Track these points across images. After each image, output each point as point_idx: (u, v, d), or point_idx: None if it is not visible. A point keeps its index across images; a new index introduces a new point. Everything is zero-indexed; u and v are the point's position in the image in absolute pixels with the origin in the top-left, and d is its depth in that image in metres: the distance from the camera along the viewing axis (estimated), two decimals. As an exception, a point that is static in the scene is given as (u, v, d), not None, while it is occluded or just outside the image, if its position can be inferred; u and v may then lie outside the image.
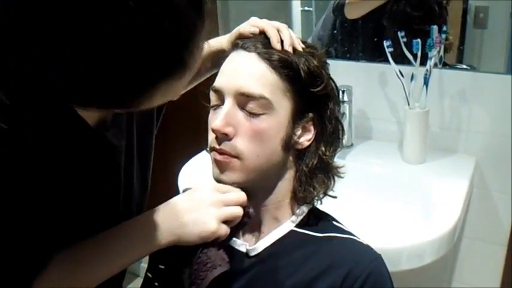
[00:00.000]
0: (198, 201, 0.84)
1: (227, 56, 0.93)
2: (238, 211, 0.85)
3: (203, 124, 0.97)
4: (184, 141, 2.16)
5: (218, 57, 1.06)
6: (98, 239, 0.82)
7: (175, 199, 0.86)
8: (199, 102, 1.03)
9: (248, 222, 0.89)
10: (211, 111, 0.92)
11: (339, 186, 0.97)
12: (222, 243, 0.87)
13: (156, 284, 1.02)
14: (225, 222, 0.85)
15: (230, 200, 0.85)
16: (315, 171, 0.93)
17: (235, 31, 0.98)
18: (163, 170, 1.98)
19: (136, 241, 0.83)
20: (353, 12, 1.79)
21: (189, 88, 1.22)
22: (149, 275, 1.05)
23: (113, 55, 0.58)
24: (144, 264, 2.73)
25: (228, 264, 0.87)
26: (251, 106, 0.86)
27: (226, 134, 0.85)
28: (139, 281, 1.50)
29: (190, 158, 1.69)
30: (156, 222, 0.82)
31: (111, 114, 0.86)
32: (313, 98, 0.90)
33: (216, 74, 0.94)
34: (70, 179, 0.79)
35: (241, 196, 0.87)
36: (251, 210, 0.89)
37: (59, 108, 0.72)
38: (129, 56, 0.59)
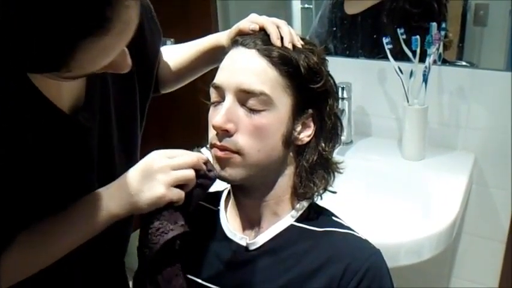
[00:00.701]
0: (146, 170, 0.84)
1: (227, 53, 0.93)
2: (188, 173, 0.85)
3: (203, 121, 0.98)
4: (184, 138, 2.17)
5: (216, 53, 1.07)
6: (61, 214, 0.85)
7: (128, 171, 0.86)
8: (199, 99, 1.04)
9: (211, 184, 0.89)
10: (211, 108, 0.93)
11: (339, 183, 0.98)
12: (183, 207, 0.86)
13: None
14: (180, 186, 0.85)
15: (177, 164, 0.85)
16: (315, 166, 0.93)
17: (235, 28, 0.98)
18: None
19: (94, 211, 0.84)
20: (353, 7, 1.79)
21: (186, 82, 1.23)
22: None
23: (30, 13, 0.57)
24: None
25: (181, 227, 0.85)
26: (252, 102, 0.86)
27: (227, 131, 0.86)
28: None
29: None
30: (111, 193, 0.85)
31: (81, 95, 0.87)
32: (312, 94, 0.91)
33: (214, 70, 0.95)
34: (37, 159, 0.81)
35: (190, 159, 0.86)
36: (213, 172, 0.88)
37: (25, 91, 0.76)
38: (47, 12, 0.57)
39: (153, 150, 0.88)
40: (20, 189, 0.79)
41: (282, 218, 0.94)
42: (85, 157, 0.90)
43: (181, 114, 2.20)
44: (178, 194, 0.84)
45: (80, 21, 0.60)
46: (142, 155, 0.88)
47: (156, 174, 0.83)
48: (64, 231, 0.85)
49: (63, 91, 0.84)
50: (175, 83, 1.22)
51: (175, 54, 1.18)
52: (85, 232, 0.86)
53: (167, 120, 2.28)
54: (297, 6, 1.97)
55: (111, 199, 0.85)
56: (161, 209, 0.84)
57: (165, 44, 1.24)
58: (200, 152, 0.92)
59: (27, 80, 0.77)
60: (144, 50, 1.04)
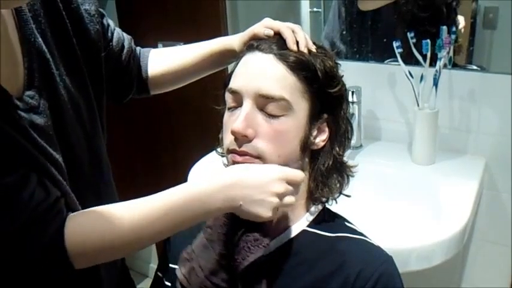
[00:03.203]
0: (261, 186, 0.82)
1: (240, 57, 0.93)
2: (292, 201, 0.84)
3: (212, 125, 0.97)
4: (194, 141, 2.18)
5: (225, 57, 1.07)
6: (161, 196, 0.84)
7: (239, 173, 0.83)
8: (208, 103, 1.04)
9: None
10: (227, 113, 0.92)
11: (349, 187, 0.98)
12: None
13: (167, 283, 1.02)
14: None
15: (290, 191, 0.84)
16: (330, 171, 0.94)
17: (249, 32, 0.98)
18: (173, 171, 1.99)
19: (198, 201, 0.82)
20: (367, 4, 1.78)
21: (185, 84, 1.22)
22: (159, 274, 1.06)
23: None
24: (153, 265, 2.75)
25: (263, 249, 0.86)
26: (271, 108, 0.86)
27: (246, 136, 0.86)
28: (148, 281, 1.51)
29: (200, 158, 1.69)
30: (215, 191, 0.82)
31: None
32: (328, 98, 0.91)
33: (220, 72, 0.94)
34: None
35: (299, 187, 0.87)
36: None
37: None
38: None
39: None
40: None
41: (295, 223, 0.94)
42: (39, 136, 0.85)
43: (190, 118, 2.20)
44: (276, 216, 0.84)
45: None
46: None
47: (270, 198, 0.81)
48: (162, 217, 0.83)
49: (11, 73, 0.83)
50: (170, 85, 1.21)
51: (172, 56, 1.18)
52: (186, 222, 0.84)
53: (176, 123, 2.28)
54: (305, 10, 1.97)
55: (218, 197, 0.82)
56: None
57: (156, 46, 1.24)
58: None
59: None
60: (84, 32, 1.00)
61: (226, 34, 1.99)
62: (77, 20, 0.97)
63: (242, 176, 0.82)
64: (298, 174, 0.85)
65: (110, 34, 1.10)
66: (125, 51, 1.14)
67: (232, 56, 0.97)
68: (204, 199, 0.82)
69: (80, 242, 0.81)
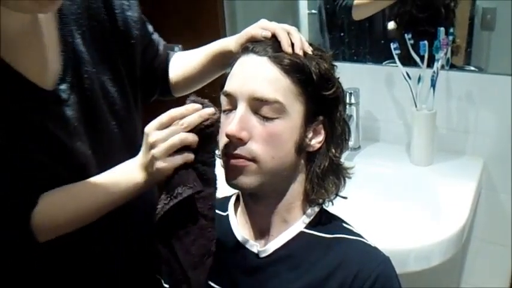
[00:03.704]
0: (145, 145, 0.88)
1: (236, 59, 0.93)
2: (176, 140, 0.84)
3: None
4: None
5: (224, 58, 1.07)
6: (92, 178, 0.93)
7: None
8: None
9: (214, 130, 0.87)
10: (222, 116, 0.92)
11: (347, 188, 0.98)
12: (199, 158, 0.87)
13: (166, 286, 1.03)
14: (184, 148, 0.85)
15: (166, 135, 0.85)
16: (326, 172, 0.93)
17: (245, 33, 0.98)
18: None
19: (120, 178, 0.92)
20: (361, 13, 1.79)
21: (198, 87, 1.24)
22: (158, 276, 1.06)
23: None
24: None
25: (190, 189, 0.85)
26: (265, 110, 0.86)
27: (241, 139, 0.86)
28: None
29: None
30: (135, 164, 0.91)
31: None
32: (323, 101, 0.91)
33: (221, 77, 0.95)
34: (22, 131, 0.88)
35: (178, 128, 0.85)
36: (208, 122, 0.85)
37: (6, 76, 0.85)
38: None
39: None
40: (23, 156, 0.88)
41: (292, 224, 0.94)
42: (66, 127, 0.94)
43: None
44: (178, 160, 0.85)
45: None
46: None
47: (152, 150, 0.85)
48: (92, 194, 0.92)
49: (45, 69, 0.92)
50: (187, 88, 1.23)
51: (185, 60, 1.20)
52: (112, 198, 0.92)
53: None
54: (304, 11, 1.97)
55: (135, 170, 0.90)
56: (174, 174, 0.85)
57: (172, 50, 1.26)
58: (193, 100, 0.88)
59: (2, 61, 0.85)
60: (117, 28, 1.06)
61: (224, 36, 1.99)
62: (118, 25, 1.05)
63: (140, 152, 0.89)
64: (161, 116, 0.86)
65: (147, 40, 1.16)
66: (158, 56, 1.19)
67: (230, 57, 0.97)
68: (125, 176, 0.91)
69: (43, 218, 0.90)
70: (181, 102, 0.89)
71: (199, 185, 0.86)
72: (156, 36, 1.21)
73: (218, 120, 0.87)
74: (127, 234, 1.11)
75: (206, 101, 0.88)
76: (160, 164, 0.85)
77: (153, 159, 0.85)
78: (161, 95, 1.25)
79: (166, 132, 0.85)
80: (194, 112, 0.85)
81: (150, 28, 1.19)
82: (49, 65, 0.93)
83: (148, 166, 0.87)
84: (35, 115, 0.89)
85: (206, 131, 0.86)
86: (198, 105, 0.86)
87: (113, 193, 0.92)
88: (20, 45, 0.88)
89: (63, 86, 0.94)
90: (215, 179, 0.89)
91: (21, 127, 0.87)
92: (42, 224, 0.89)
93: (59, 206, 0.91)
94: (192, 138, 0.85)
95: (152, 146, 0.85)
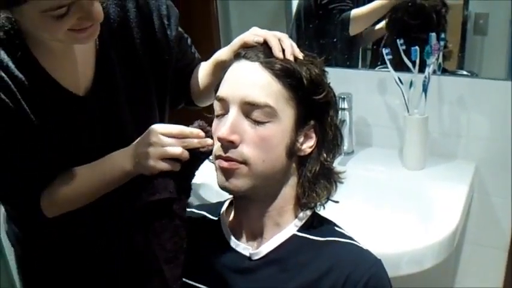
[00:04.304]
0: (144, 140, 0.97)
1: (228, 66, 0.95)
2: (175, 151, 0.93)
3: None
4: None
5: (218, 69, 1.09)
6: (92, 163, 1.05)
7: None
8: (201, 111, 1.06)
9: (206, 158, 0.95)
10: (215, 120, 0.94)
11: (340, 193, 0.99)
12: (180, 175, 0.95)
13: None
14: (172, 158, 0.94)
15: (167, 143, 0.93)
16: (318, 176, 0.94)
17: (238, 41, 1.00)
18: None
19: (113, 165, 1.03)
20: (357, 29, 1.82)
21: (206, 104, 1.27)
22: None
23: None
24: None
25: (168, 193, 0.94)
26: (256, 114, 0.88)
27: (232, 142, 0.87)
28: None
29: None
30: (126, 153, 1.01)
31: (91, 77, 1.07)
32: (314, 105, 0.92)
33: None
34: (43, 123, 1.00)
35: (179, 143, 0.93)
36: (204, 149, 0.94)
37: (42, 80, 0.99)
38: None
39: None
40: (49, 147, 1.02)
41: (284, 228, 0.95)
42: (90, 128, 1.08)
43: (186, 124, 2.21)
44: (167, 166, 0.93)
45: None
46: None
47: (150, 147, 0.94)
48: (91, 177, 1.05)
49: (78, 78, 1.05)
50: (205, 98, 1.27)
51: (200, 72, 1.24)
52: (107, 181, 1.04)
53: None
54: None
55: (126, 158, 1.00)
56: (157, 175, 0.94)
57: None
58: (200, 125, 0.96)
59: (43, 70, 1.00)
60: (153, 36, 1.15)
61: (218, 39, 2.01)
62: (156, 41, 1.15)
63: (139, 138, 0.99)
64: (171, 126, 0.95)
65: (181, 55, 1.24)
66: (188, 69, 1.26)
67: (224, 66, 0.99)
68: (115, 162, 1.02)
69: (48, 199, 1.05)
70: (206, 110, 1.02)
71: (175, 193, 0.94)
72: (191, 50, 1.28)
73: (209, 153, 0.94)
74: (126, 233, 1.13)
75: (210, 129, 0.95)
76: (151, 163, 0.94)
77: (147, 156, 0.94)
78: (186, 104, 1.31)
79: (168, 141, 0.93)
80: (197, 138, 0.94)
81: (187, 43, 1.27)
82: (82, 75, 1.06)
83: (139, 158, 0.96)
84: (65, 116, 1.03)
85: (199, 156, 0.95)
86: (202, 134, 0.94)
87: (104, 177, 1.04)
88: (57, 56, 1.01)
89: (94, 92, 1.07)
90: (189, 190, 0.99)
91: (51, 124, 1.01)
92: (48, 201, 1.05)
93: (62, 186, 1.04)
94: (186, 156, 0.94)
95: (151, 145, 0.94)
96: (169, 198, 0.94)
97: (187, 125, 0.96)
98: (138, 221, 0.96)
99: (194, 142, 0.93)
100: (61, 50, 1.01)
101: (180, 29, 1.22)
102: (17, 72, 0.96)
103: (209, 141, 0.93)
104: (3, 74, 0.95)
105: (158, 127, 0.95)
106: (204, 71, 1.21)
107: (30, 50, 0.98)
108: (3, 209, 1.27)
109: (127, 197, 1.01)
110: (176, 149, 0.93)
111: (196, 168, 0.97)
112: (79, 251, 1.20)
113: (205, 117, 1.00)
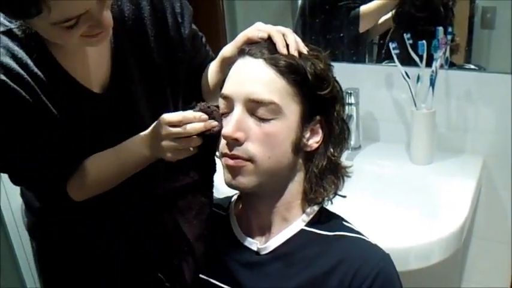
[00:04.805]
0: (155, 134, 0.99)
1: (233, 63, 0.95)
2: (189, 142, 0.93)
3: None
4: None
5: (226, 65, 1.09)
6: (114, 148, 1.08)
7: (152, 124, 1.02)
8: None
9: (218, 129, 0.93)
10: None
11: (348, 188, 0.99)
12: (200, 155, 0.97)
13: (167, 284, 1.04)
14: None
15: (179, 134, 0.93)
16: (325, 172, 0.94)
17: (242, 37, 0.99)
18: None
19: (132, 151, 1.06)
20: (367, 25, 1.81)
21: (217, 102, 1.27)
22: (160, 276, 1.07)
23: None
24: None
25: (189, 178, 0.98)
26: (261, 111, 0.88)
27: (237, 140, 0.87)
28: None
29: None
30: (143, 140, 1.03)
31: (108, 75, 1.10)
32: (320, 100, 0.92)
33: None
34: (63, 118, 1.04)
35: (193, 129, 0.92)
36: (210, 132, 0.93)
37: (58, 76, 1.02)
38: None
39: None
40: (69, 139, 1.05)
41: (292, 223, 0.95)
42: (106, 122, 1.11)
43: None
44: (183, 155, 0.96)
45: None
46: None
47: (162, 141, 0.96)
48: (115, 161, 1.08)
49: (95, 76, 1.08)
50: (214, 97, 1.26)
51: (209, 70, 1.24)
52: (130, 165, 1.07)
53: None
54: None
55: (144, 146, 1.03)
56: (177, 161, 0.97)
57: None
58: (201, 108, 0.95)
59: (61, 68, 1.03)
60: (167, 32, 1.16)
61: (224, 35, 2.01)
62: (169, 39, 1.16)
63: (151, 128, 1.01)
64: (176, 114, 0.94)
65: (194, 52, 1.25)
66: (200, 67, 1.26)
67: (229, 63, 0.99)
68: (135, 149, 1.05)
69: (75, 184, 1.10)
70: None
71: (196, 175, 0.98)
72: (205, 48, 1.29)
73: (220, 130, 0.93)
74: (127, 233, 1.19)
75: (215, 109, 0.95)
76: (168, 155, 0.96)
77: (162, 149, 0.96)
78: (199, 102, 1.29)
79: (177, 131, 0.93)
80: (201, 121, 0.92)
81: (201, 41, 1.28)
82: (98, 73, 1.09)
83: (155, 150, 0.99)
84: (83, 112, 1.07)
85: (210, 138, 0.94)
86: (205, 116, 0.92)
87: (127, 161, 1.07)
88: (75, 55, 1.04)
89: (110, 90, 1.10)
90: (213, 166, 0.99)
91: (71, 120, 1.04)
92: (76, 186, 1.10)
93: (86, 172, 1.09)
94: (197, 142, 0.94)
95: (163, 139, 0.95)
96: (192, 180, 0.97)
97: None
98: (163, 204, 1.00)
99: (199, 126, 0.92)
100: (77, 50, 1.05)
101: (194, 26, 1.23)
102: (36, 70, 0.98)
103: (213, 123, 0.92)
104: (23, 73, 0.97)
105: (165, 118, 0.95)
106: (212, 68, 1.21)
107: (48, 49, 1.00)
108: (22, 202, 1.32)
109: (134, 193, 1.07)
110: (186, 141, 0.94)
111: (214, 148, 0.96)
112: (94, 244, 1.23)
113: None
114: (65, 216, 1.19)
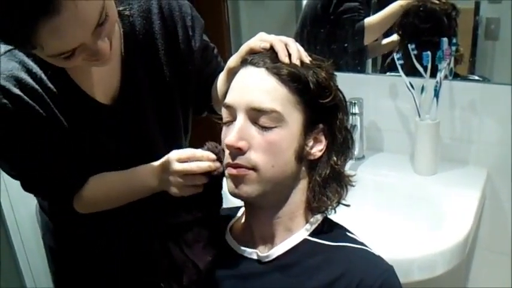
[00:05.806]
0: (164, 169, 1.02)
1: (236, 72, 0.95)
2: (196, 179, 0.97)
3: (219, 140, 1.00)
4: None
5: (231, 75, 1.09)
6: (122, 172, 1.12)
7: (163, 158, 1.04)
8: (212, 119, 1.07)
9: (222, 169, 0.95)
10: (224, 128, 0.95)
11: (351, 198, 0.98)
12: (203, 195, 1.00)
13: None
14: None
15: (187, 171, 0.97)
16: (328, 180, 0.94)
17: (245, 47, 0.99)
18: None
19: (138, 180, 1.10)
20: (372, 37, 1.83)
21: None
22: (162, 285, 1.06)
23: None
24: None
25: (190, 216, 1.00)
26: (263, 120, 0.88)
27: (240, 149, 0.87)
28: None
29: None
30: (150, 171, 1.07)
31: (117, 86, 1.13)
32: (322, 109, 0.92)
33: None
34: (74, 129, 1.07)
35: (199, 168, 0.96)
36: (215, 173, 0.96)
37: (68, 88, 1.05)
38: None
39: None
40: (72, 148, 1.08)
41: (295, 232, 0.95)
42: (117, 134, 1.14)
43: (202, 133, 2.21)
44: (190, 191, 0.99)
45: (31, 4, 0.78)
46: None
47: (170, 176, 1.00)
48: (121, 186, 1.13)
49: (104, 89, 1.11)
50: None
51: (218, 81, 1.24)
52: (135, 193, 1.11)
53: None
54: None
55: (152, 177, 1.06)
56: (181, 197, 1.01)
57: None
58: (209, 148, 0.98)
59: (72, 81, 1.06)
60: (177, 48, 1.19)
61: (228, 42, 2.01)
62: (179, 52, 1.18)
63: (162, 161, 1.04)
64: (185, 151, 0.99)
65: (205, 65, 1.26)
66: (210, 79, 1.27)
67: (233, 73, 1.00)
68: (143, 178, 1.09)
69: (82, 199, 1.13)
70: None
71: (198, 213, 1.00)
72: (217, 60, 1.30)
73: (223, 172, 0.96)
74: (127, 234, 1.22)
75: (222, 149, 0.97)
76: (174, 190, 1.00)
77: (169, 184, 1.00)
78: (209, 112, 1.33)
79: (184, 168, 0.97)
80: (209, 160, 0.96)
81: (213, 52, 1.29)
82: (109, 85, 1.12)
83: (163, 184, 1.03)
84: (94, 124, 1.10)
85: (215, 177, 0.98)
86: (213, 156, 0.96)
87: (133, 189, 1.11)
88: (85, 69, 1.07)
89: (119, 101, 1.13)
90: (219, 202, 1.03)
91: (82, 132, 1.08)
92: (81, 202, 1.13)
93: (95, 190, 1.12)
94: (203, 181, 0.98)
95: (171, 174, 0.99)
96: (188, 221, 1.00)
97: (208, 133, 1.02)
98: (169, 237, 1.02)
99: (205, 166, 0.95)
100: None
101: (205, 38, 1.24)
102: (49, 85, 1.03)
103: (218, 164, 0.96)
104: (37, 87, 1.01)
105: (174, 154, 1.00)
106: (220, 79, 1.22)
107: None
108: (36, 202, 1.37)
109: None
110: (191, 178, 0.98)
111: (218, 187, 1.00)
112: (94, 244, 1.27)
113: (215, 123, 1.00)
114: (65, 216, 1.22)
